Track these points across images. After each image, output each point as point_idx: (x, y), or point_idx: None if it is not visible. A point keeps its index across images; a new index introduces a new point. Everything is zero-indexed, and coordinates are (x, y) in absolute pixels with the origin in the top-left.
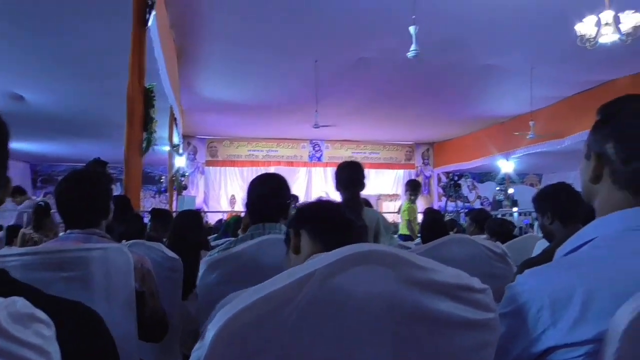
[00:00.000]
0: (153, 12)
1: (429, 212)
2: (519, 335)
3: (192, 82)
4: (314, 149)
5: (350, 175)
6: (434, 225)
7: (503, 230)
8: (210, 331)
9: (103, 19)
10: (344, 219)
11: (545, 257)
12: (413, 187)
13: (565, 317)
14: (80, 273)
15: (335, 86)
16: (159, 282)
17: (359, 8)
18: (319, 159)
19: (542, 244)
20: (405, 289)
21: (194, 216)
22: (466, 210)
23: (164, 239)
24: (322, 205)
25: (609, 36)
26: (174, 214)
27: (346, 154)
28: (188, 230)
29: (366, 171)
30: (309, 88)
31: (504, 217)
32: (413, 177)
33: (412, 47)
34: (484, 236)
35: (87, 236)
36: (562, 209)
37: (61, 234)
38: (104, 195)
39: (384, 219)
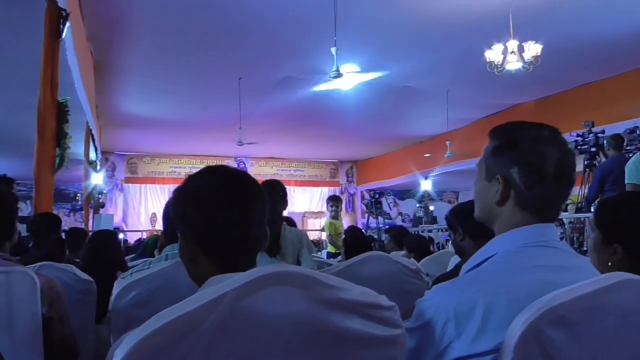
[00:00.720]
0: (68, 24)
1: (350, 230)
2: (427, 349)
3: (111, 96)
4: (238, 166)
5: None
6: (356, 242)
7: (421, 246)
8: (117, 356)
9: (12, 28)
10: (243, 230)
11: (456, 272)
12: (332, 199)
13: (468, 329)
14: None
15: (260, 104)
16: (71, 306)
17: (282, 28)
18: None
19: (456, 259)
20: (315, 308)
21: (110, 236)
22: (387, 227)
23: (77, 260)
24: (211, 197)
25: (514, 64)
26: (91, 233)
27: (271, 171)
28: (103, 251)
29: (291, 188)
30: (233, 105)
31: (423, 233)
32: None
33: (334, 67)
34: (403, 252)
35: None
36: (472, 226)
37: None
38: (8, 216)
39: (307, 239)
